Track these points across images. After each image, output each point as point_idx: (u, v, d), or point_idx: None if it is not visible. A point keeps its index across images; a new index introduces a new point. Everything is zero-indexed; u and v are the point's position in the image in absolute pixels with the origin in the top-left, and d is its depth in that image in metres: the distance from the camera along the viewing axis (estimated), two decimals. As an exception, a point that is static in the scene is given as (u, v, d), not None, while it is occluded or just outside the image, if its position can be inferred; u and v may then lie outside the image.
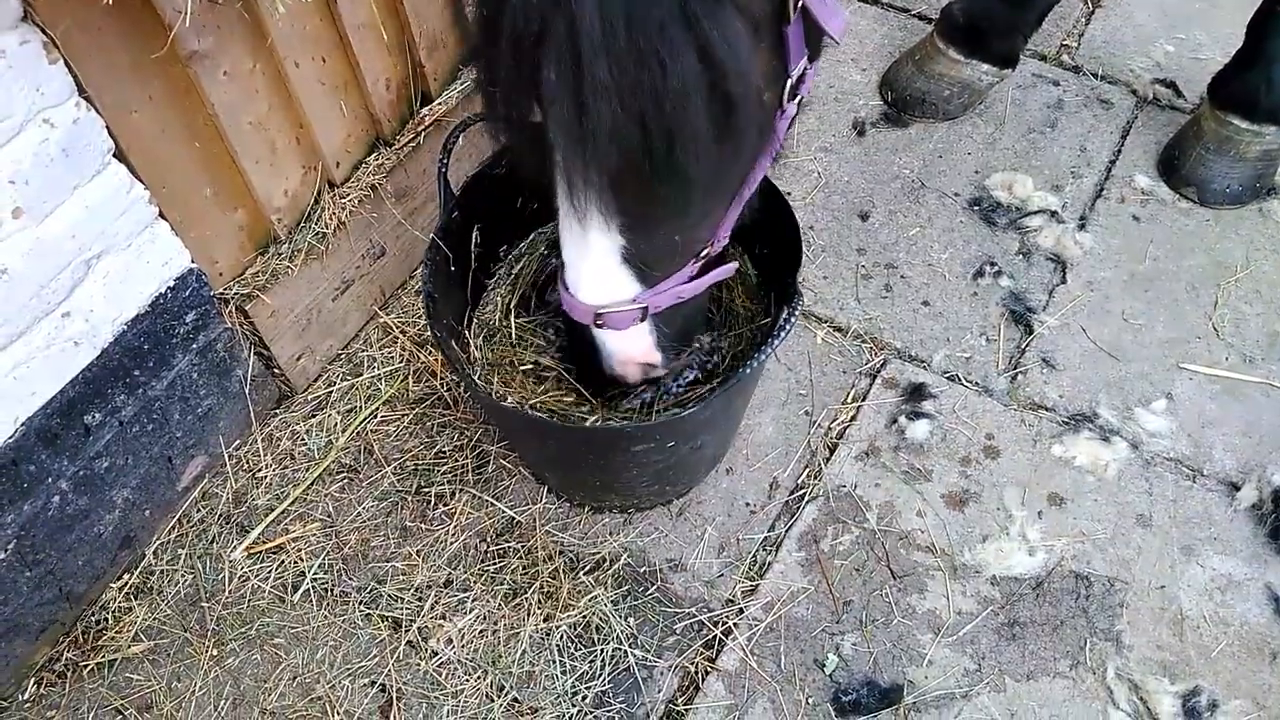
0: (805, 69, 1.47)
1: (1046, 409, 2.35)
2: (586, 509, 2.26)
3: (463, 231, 2.07)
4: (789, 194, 1.98)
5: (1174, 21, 3.16)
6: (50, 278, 1.78)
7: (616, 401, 2.01)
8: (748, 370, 1.73)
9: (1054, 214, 2.68)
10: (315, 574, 2.19)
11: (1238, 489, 2.19)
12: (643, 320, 1.63)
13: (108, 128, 1.77)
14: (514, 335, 2.13)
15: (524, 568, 2.17)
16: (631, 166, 1.26)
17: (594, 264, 1.53)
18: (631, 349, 1.70)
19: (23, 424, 1.86)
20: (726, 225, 1.64)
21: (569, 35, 1.14)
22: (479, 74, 1.38)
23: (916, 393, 2.37)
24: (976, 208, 2.73)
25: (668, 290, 1.62)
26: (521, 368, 2.10)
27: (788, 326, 1.72)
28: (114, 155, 1.81)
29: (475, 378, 2.03)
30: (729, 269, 1.75)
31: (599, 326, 1.63)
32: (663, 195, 1.36)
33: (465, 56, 1.47)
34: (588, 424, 1.95)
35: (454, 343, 2.00)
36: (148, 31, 1.72)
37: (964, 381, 2.40)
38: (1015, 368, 2.42)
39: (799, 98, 1.50)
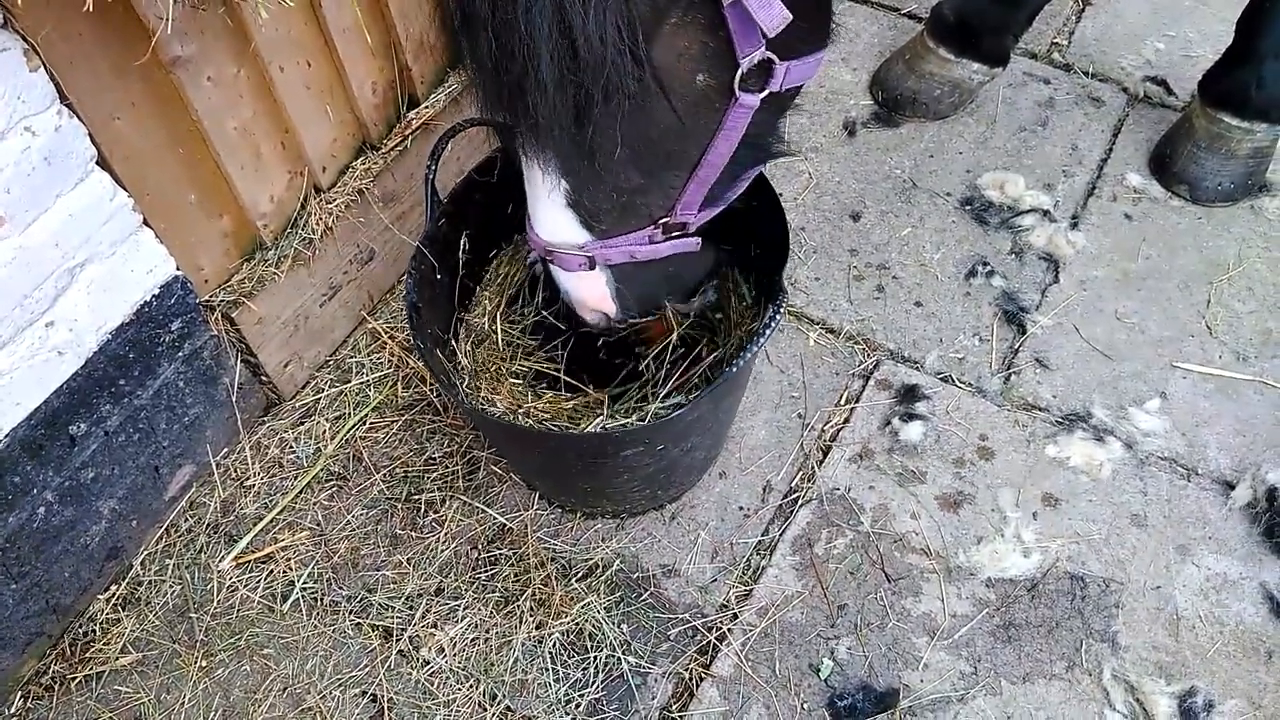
0: (766, 60, 1.47)
1: (1040, 409, 2.34)
2: (578, 515, 2.24)
3: (450, 238, 2.05)
4: (780, 194, 1.97)
5: (1164, 19, 3.16)
6: (34, 287, 1.76)
7: (610, 388, 2.02)
8: (734, 369, 1.72)
9: (1046, 213, 2.67)
10: (305, 583, 2.17)
11: (1232, 488, 2.18)
12: (592, 268, 1.71)
13: (90, 135, 1.75)
14: (501, 340, 2.12)
15: (516, 575, 2.15)
16: (516, 107, 1.37)
17: (541, 202, 1.63)
18: (584, 293, 1.78)
19: (7, 435, 1.84)
20: (686, 204, 1.66)
21: None
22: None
23: (909, 394, 2.36)
24: (968, 207, 2.72)
25: (619, 247, 1.68)
26: (509, 374, 2.08)
27: (773, 324, 1.72)
28: (97, 163, 1.79)
29: (462, 387, 2.01)
30: (691, 243, 1.76)
31: (549, 262, 1.73)
32: (571, 145, 1.46)
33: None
34: (575, 431, 1.94)
35: (439, 351, 1.98)
36: (130, 38, 1.70)
37: (957, 382, 2.39)
38: (1008, 368, 2.41)
39: (765, 92, 1.51)
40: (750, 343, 1.72)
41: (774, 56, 1.48)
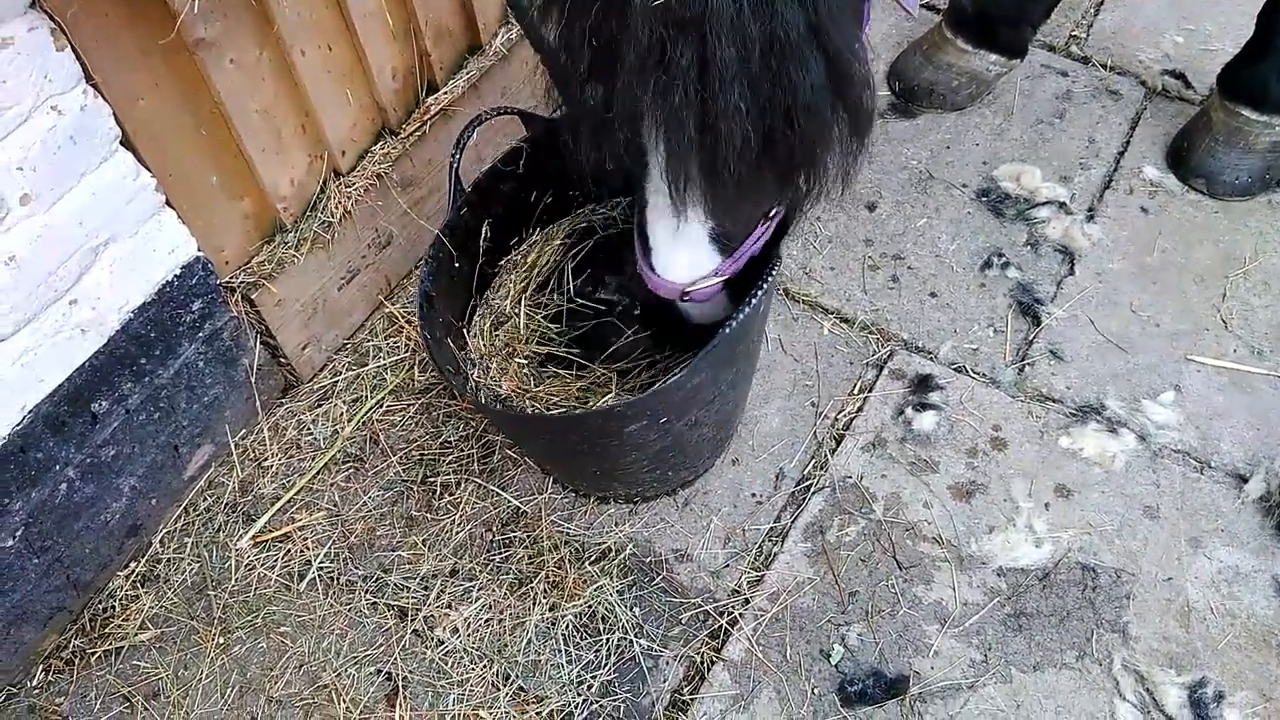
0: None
1: (1054, 400, 2.35)
2: (591, 499, 2.26)
3: (471, 226, 2.06)
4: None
5: (1183, 12, 3.15)
6: (58, 264, 1.79)
7: (619, 365, 2.05)
8: (726, 331, 1.69)
9: (1062, 205, 2.67)
10: (321, 563, 2.20)
11: (1245, 481, 2.18)
12: (722, 287, 1.71)
13: (115, 115, 1.77)
14: (524, 323, 2.13)
15: (529, 557, 2.17)
16: (751, 176, 1.31)
17: (686, 249, 1.60)
18: (713, 315, 1.78)
19: (30, 411, 1.86)
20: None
21: (698, 61, 1.16)
22: (579, 89, 1.40)
23: (923, 384, 2.37)
24: (984, 199, 2.72)
25: (744, 255, 1.68)
26: (521, 357, 2.10)
27: (763, 289, 1.70)
28: (121, 142, 1.81)
29: (471, 375, 2.02)
30: (781, 212, 1.76)
31: (685, 301, 1.70)
32: (773, 188, 1.42)
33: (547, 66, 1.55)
34: (576, 412, 1.95)
35: (450, 340, 2.00)
36: (154, 18, 1.72)
37: (971, 373, 2.40)
38: (1023, 359, 2.41)
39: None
40: (741, 307, 1.69)
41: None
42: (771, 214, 1.69)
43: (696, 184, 1.38)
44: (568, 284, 2.18)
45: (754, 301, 1.70)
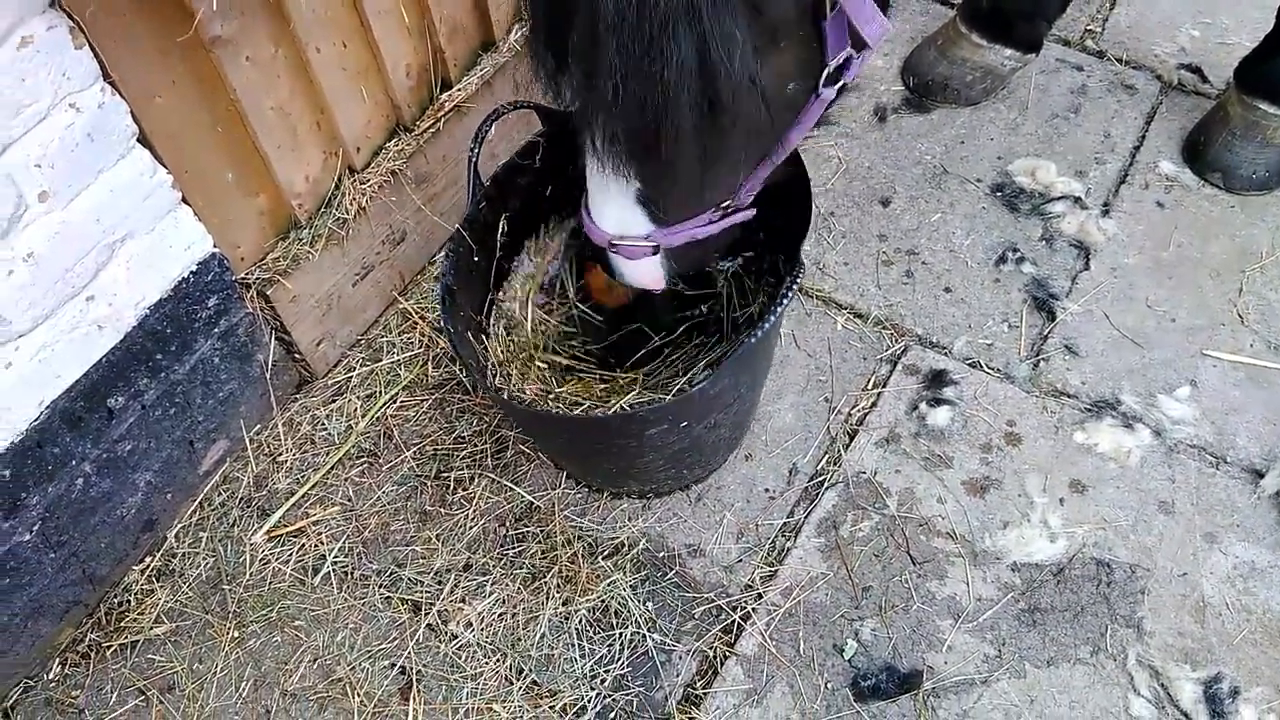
0: (849, 56, 1.54)
1: (1069, 396, 2.34)
2: (605, 495, 2.26)
3: (489, 220, 2.07)
4: (809, 178, 1.97)
5: (1199, 6, 3.12)
6: (75, 261, 1.80)
7: (641, 369, 2.06)
8: (752, 340, 1.72)
9: (1077, 200, 2.66)
10: (335, 557, 2.21)
11: (1261, 476, 2.17)
12: (655, 254, 1.72)
13: (132, 112, 1.78)
14: (530, 328, 2.14)
15: (543, 552, 2.18)
16: (632, 136, 1.38)
17: (611, 201, 1.64)
18: (640, 277, 1.80)
19: (47, 406, 1.87)
20: (749, 188, 1.70)
21: (589, 14, 1.26)
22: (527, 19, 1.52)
23: (937, 379, 2.36)
24: (999, 194, 2.71)
25: (683, 232, 1.70)
26: (540, 363, 2.11)
27: (788, 296, 1.72)
28: (138, 140, 1.82)
29: (488, 371, 2.03)
30: (747, 214, 1.78)
31: (613, 252, 1.73)
32: (665, 162, 1.45)
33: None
34: (597, 415, 1.96)
35: (470, 334, 2.00)
36: (171, 16, 1.73)
37: (985, 368, 2.39)
38: (1037, 354, 2.41)
39: (841, 83, 1.58)
40: (767, 313, 1.72)
41: (854, 53, 1.53)
42: (727, 207, 1.71)
43: (597, 135, 1.43)
44: (570, 289, 2.19)
45: (779, 311, 1.72)
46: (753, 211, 1.78)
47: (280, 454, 2.36)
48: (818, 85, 1.55)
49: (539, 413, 1.98)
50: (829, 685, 1.99)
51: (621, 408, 1.99)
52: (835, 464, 2.26)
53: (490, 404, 2.40)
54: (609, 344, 2.20)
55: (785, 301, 1.72)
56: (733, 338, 2.14)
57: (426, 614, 2.12)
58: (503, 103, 2.01)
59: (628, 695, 2.01)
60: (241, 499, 2.31)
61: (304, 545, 2.23)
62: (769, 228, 2.13)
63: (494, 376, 2.05)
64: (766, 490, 2.25)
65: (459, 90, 2.48)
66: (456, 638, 2.08)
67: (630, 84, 1.27)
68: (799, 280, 1.74)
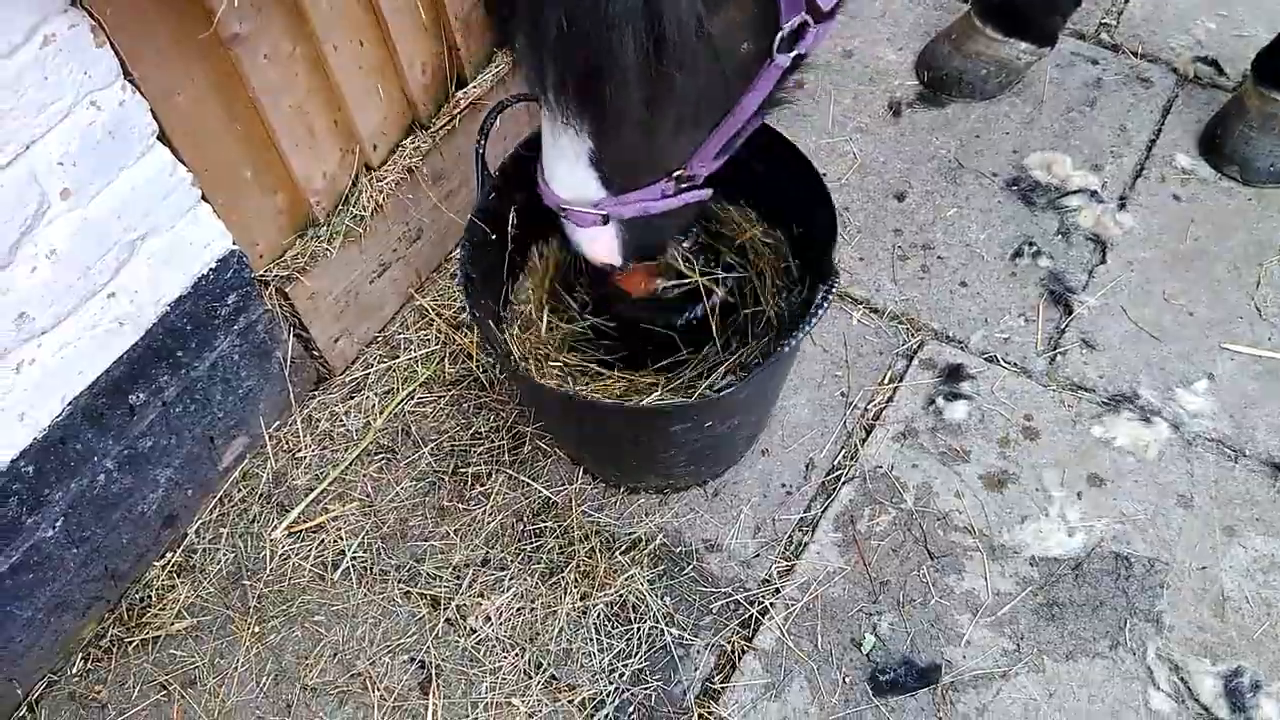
0: (803, 23, 1.51)
1: (1086, 390, 2.33)
2: (622, 489, 2.27)
3: (499, 212, 2.08)
4: (824, 174, 1.97)
5: (1216, -2, 3.12)
6: (97, 258, 1.81)
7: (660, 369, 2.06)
8: (785, 349, 1.73)
9: (1094, 194, 2.65)
10: (355, 553, 2.22)
11: (1281, 470, 2.17)
12: (605, 224, 1.71)
13: (152, 110, 1.79)
14: (544, 330, 2.15)
15: (560, 547, 2.18)
16: (577, 80, 1.35)
17: (561, 160, 1.63)
18: (594, 248, 1.79)
19: (70, 403, 1.89)
20: (702, 157, 1.67)
21: None
22: None
23: (954, 374, 2.36)
24: (1015, 188, 2.70)
25: (634, 203, 1.68)
26: (554, 363, 2.11)
27: (825, 304, 1.72)
28: (158, 138, 1.83)
29: (514, 359, 2.04)
30: (704, 193, 1.76)
31: (563, 217, 1.73)
32: (613, 111, 1.43)
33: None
34: (627, 403, 1.96)
35: (490, 322, 2.01)
36: (190, 14, 1.74)
37: (1002, 362, 2.39)
38: (1054, 348, 2.40)
39: (795, 52, 1.54)
40: (803, 322, 1.72)
41: (810, 20, 1.51)
42: (681, 180, 1.69)
43: (546, 79, 1.41)
44: (576, 296, 2.20)
45: (813, 320, 1.72)
46: (708, 192, 1.77)
47: (299, 450, 2.38)
48: (771, 49, 1.52)
49: (569, 396, 1.98)
50: (847, 679, 1.99)
51: (650, 401, 2.00)
52: (852, 459, 2.26)
53: (507, 400, 2.41)
54: (623, 354, 2.20)
55: (823, 309, 1.72)
56: (750, 340, 2.14)
57: (445, 609, 2.13)
58: (507, 95, 2.01)
59: (646, 689, 2.01)
60: (261, 495, 2.32)
61: (323, 541, 2.25)
62: (791, 236, 2.14)
63: (518, 362, 2.05)
64: (783, 485, 2.25)
65: (474, 88, 2.49)
66: (475, 632, 2.09)
67: (575, 22, 1.26)
68: (834, 289, 1.74)
